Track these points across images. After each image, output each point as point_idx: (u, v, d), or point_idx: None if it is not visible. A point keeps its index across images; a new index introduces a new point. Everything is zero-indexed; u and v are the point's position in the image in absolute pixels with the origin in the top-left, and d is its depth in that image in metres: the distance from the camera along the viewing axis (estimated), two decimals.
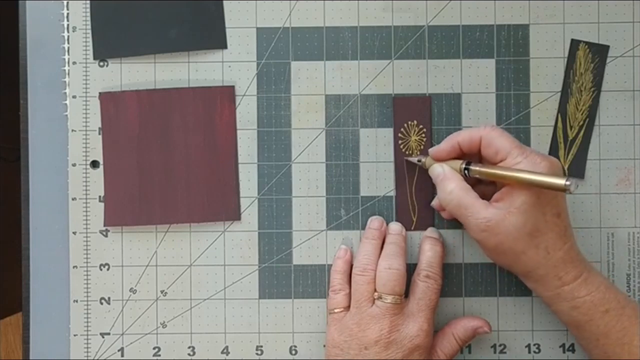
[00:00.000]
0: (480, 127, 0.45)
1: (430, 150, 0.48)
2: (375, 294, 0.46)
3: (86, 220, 0.51)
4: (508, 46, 0.51)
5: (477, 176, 0.45)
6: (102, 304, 0.51)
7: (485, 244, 0.44)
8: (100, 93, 0.51)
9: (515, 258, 0.44)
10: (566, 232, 0.44)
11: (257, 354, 0.51)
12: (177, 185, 0.51)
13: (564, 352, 0.51)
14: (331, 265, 0.51)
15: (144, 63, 0.51)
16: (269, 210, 0.51)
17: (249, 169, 0.51)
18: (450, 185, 0.45)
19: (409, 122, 0.51)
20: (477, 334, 0.49)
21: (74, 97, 0.51)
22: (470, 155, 0.47)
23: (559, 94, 0.51)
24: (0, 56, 0.73)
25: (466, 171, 0.45)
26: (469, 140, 0.46)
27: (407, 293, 0.48)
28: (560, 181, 0.40)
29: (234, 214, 0.51)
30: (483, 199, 0.44)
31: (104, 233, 0.51)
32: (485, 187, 0.48)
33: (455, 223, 0.50)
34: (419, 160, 0.49)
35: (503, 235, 0.43)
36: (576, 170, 0.51)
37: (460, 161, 0.46)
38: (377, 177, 0.51)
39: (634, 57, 0.51)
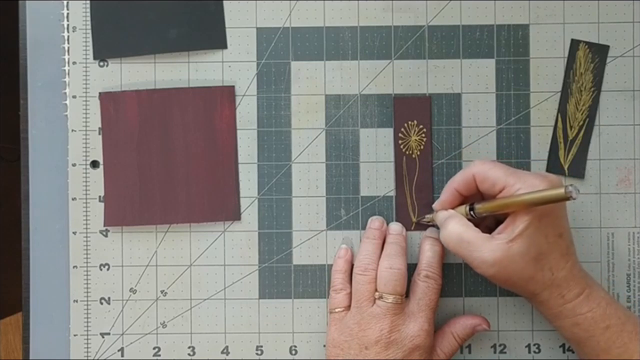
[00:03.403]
0: (470, 165, 0.46)
1: (433, 205, 0.49)
2: (376, 293, 0.46)
3: (86, 220, 0.51)
4: (508, 46, 0.51)
5: (485, 214, 0.45)
6: (102, 304, 0.51)
7: (498, 279, 0.44)
8: (100, 93, 0.51)
9: (524, 284, 0.44)
10: (568, 251, 0.44)
11: (257, 354, 0.51)
12: (177, 185, 0.51)
13: (564, 352, 0.51)
14: (331, 265, 0.50)
15: (144, 63, 0.51)
16: (269, 210, 0.51)
17: (249, 169, 0.51)
18: (450, 223, 0.45)
19: (409, 122, 0.51)
20: (475, 332, 0.49)
21: (74, 97, 0.51)
22: (472, 198, 0.47)
23: (559, 94, 0.51)
24: (0, 56, 0.73)
25: (472, 212, 0.46)
26: (464, 182, 0.46)
27: (407, 293, 0.48)
28: (560, 191, 0.40)
29: (234, 214, 0.51)
30: None
31: (104, 233, 0.51)
32: (491, 223, 0.48)
33: None
34: (427, 221, 0.50)
35: (512, 267, 0.43)
36: (576, 170, 0.51)
37: (464, 205, 0.47)
38: (377, 177, 0.51)
39: (634, 57, 0.51)
